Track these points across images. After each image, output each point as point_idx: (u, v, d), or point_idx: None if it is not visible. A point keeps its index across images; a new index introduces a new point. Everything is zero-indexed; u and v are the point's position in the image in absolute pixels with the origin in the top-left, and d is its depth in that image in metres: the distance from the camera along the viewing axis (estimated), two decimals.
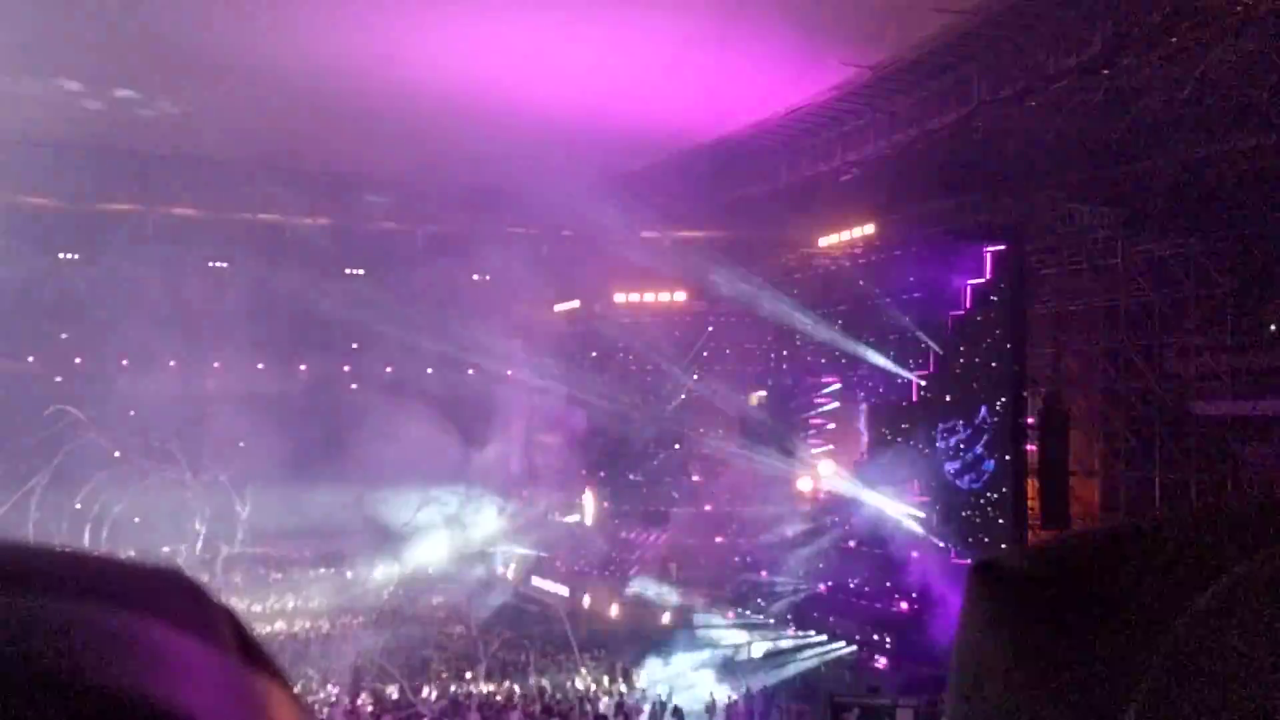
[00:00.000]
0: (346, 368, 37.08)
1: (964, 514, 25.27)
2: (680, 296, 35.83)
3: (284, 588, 30.64)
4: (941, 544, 25.59)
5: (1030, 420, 24.57)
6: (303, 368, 36.24)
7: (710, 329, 35.97)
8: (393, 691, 22.30)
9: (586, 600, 31.06)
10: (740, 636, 27.74)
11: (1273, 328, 20.78)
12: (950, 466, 25.96)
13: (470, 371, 35.30)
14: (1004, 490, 24.32)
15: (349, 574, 31.49)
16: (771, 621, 28.75)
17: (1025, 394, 24.57)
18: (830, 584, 29.10)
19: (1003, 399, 24.57)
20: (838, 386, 31.64)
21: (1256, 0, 15.85)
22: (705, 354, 35.85)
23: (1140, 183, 21.84)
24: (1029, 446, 24.33)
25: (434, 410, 31.62)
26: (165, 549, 30.53)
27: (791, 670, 24.81)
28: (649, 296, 35.83)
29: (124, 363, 32.42)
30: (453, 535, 33.19)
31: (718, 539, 33.04)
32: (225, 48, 21.94)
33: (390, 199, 33.96)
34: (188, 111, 26.37)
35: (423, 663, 24.85)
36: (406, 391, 32.76)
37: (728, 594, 30.44)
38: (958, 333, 26.37)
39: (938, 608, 23.83)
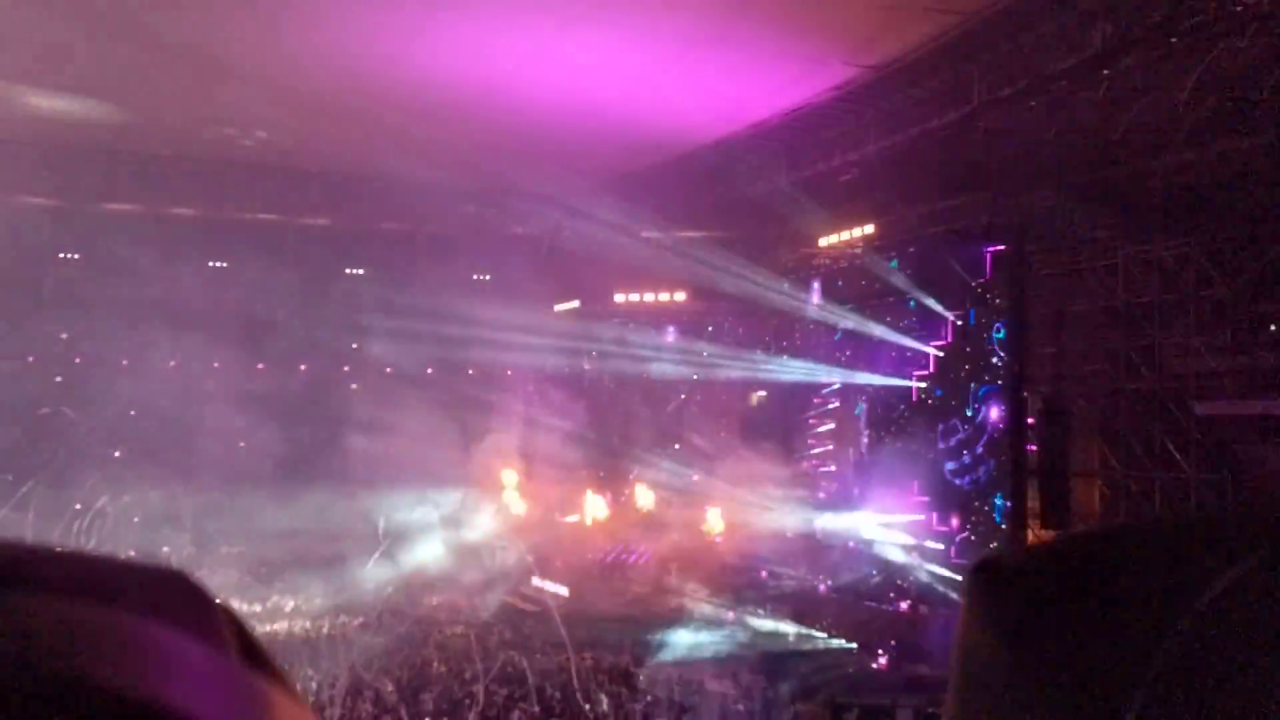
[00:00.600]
0: (346, 368, 37.08)
1: (964, 514, 25.29)
2: (680, 296, 35.84)
3: (284, 588, 30.61)
4: (940, 545, 25.61)
5: (1030, 420, 24.59)
6: (303, 368, 36.24)
7: (710, 329, 35.98)
8: (392, 692, 22.29)
9: (587, 600, 31.05)
10: (741, 636, 27.74)
11: (1273, 328, 20.78)
12: (950, 466, 25.98)
13: (470, 372, 35.32)
14: (1004, 490, 24.33)
15: (349, 574, 31.48)
16: (772, 621, 28.75)
17: (1025, 394, 24.59)
18: (830, 584, 29.10)
19: (1003, 399, 24.59)
20: (838, 386, 31.66)
21: (1256, 0, 15.86)
22: (705, 354, 35.86)
23: (1140, 183, 21.85)
24: (1029, 446, 24.34)
25: (434, 410, 31.63)
26: (165, 549, 30.54)
27: (792, 670, 24.79)
28: (649, 296, 35.83)
29: (124, 363, 32.43)
30: (452, 535, 33.18)
31: (717, 539, 33.04)
32: (226, 48, 21.95)
33: (390, 199, 33.96)
34: (188, 112, 26.37)
35: (423, 663, 24.84)
36: (406, 391, 32.76)
37: (728, 594, 30.43)
38: (958, 332, 26.39)
39: (938, 608, 23.85)
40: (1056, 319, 25.61)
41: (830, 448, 32.33)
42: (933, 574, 25.54)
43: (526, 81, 22.66)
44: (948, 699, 0.65)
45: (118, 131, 28.27)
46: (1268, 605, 0.52)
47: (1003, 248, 24.78)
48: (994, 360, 25.19)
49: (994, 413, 25.17)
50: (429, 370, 35.16)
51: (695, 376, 36.21)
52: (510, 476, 35.70)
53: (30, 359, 34.32)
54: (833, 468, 32.65)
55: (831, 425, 32.42)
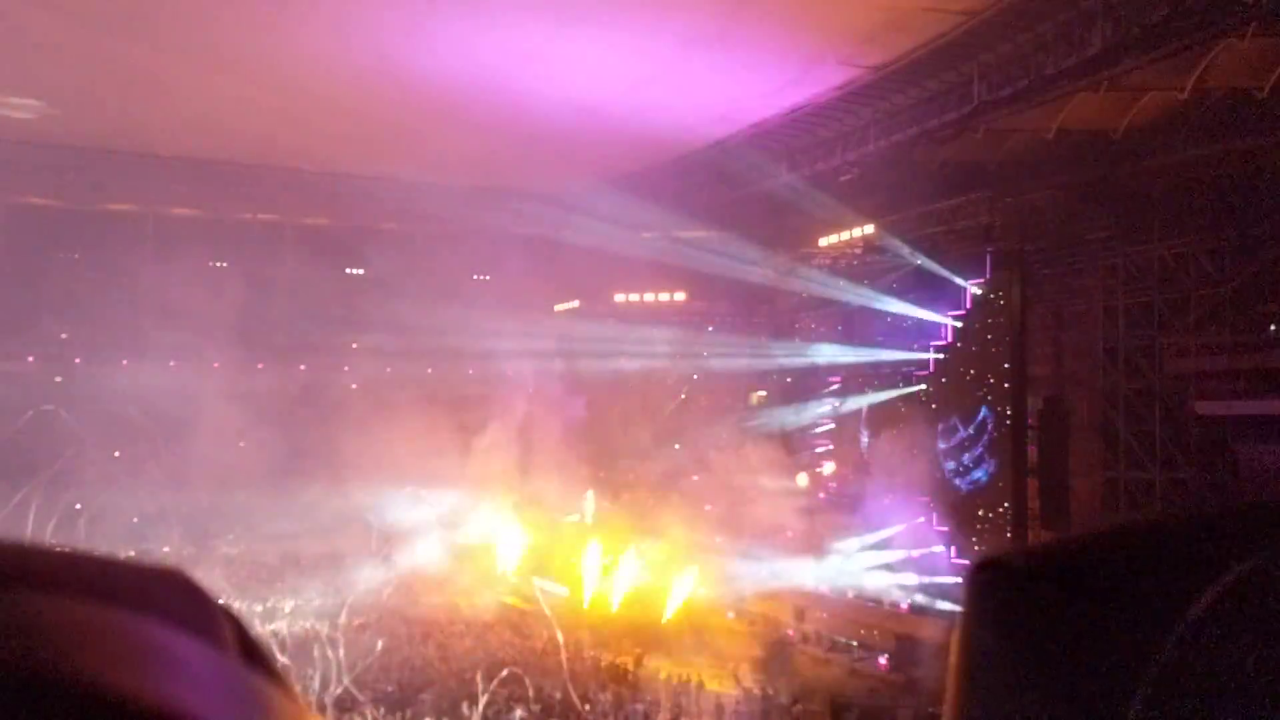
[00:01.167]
0: (346, 368, 37.07)
1: (964, 514, 25.29)
2: (680, 296, 35.83)
3: (284, 588, 30.60)
4: (940, 544, 25.60)
5: (1030, 420, 24.59)
6: (302, 367, 36.23)
7: (710, 329, 35.98)
8: (393, 692, 22.30)
9: (587, 600, 31.05)
10: (740, 636, 27.73)
11: (1273, 328, 20.79)
12: (950, 466, 25.98)
13: (470, 372, 35.30)
14: (1004, 490, 24.34)
15: (348, 574, 31.46)
16: (772, 621, 28.74)
17: (1025, 394, 24.60)
18: (830, 584, 29.07)
19: (1003, 399, 24.60)
20: (838, 386, 31.66)
21: (1256, 0, 15.86)
22: (705, 354, 35.86)
23: (1140, 183, 21.87)
24: (1029, 446, 24.35)
25: (434, 410, 31.62)
26: (165, 549, 30.54)
27: (792, 670, 24.78)
28: (649, 296, 35.82)
29: (124, 363, 32.43)
30: (452, 535, 33.17)
31: (718, 539, 33.02)
32: (226, 48, 21.95)
33: (390, 199, 33.95)
34: (188, 112, 26.36)
35: (423, 662, 24.84)
36: (406, 391, 32.75)
37: (728, 594, 30.41)
38: (958, 333, 26.40)
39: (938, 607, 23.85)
40: (1056, 319, 25.63)
41: (830, 448, 32.33)
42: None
43: (527, 82, 22.66)
44: (948, 698, 0.65)
45: (118, 131, 28.27)
46: (1267, 605, 0.52)
47: (1003, 247, 24.78)
48: (994, 360, 25.19)
49: (994, 412, 25.16)
50: (429, 370, 35.15)
51: (695, 376, 36.22)
52: (510, 476, 35.68)
53: (30, 359, 34.32)
54: (833, 468, 32.67)
55: (831, 426, 32.43)
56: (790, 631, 27.83)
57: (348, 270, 36.38)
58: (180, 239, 32.53)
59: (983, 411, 25.24)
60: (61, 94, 25.36)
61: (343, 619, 28.78)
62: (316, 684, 22.00)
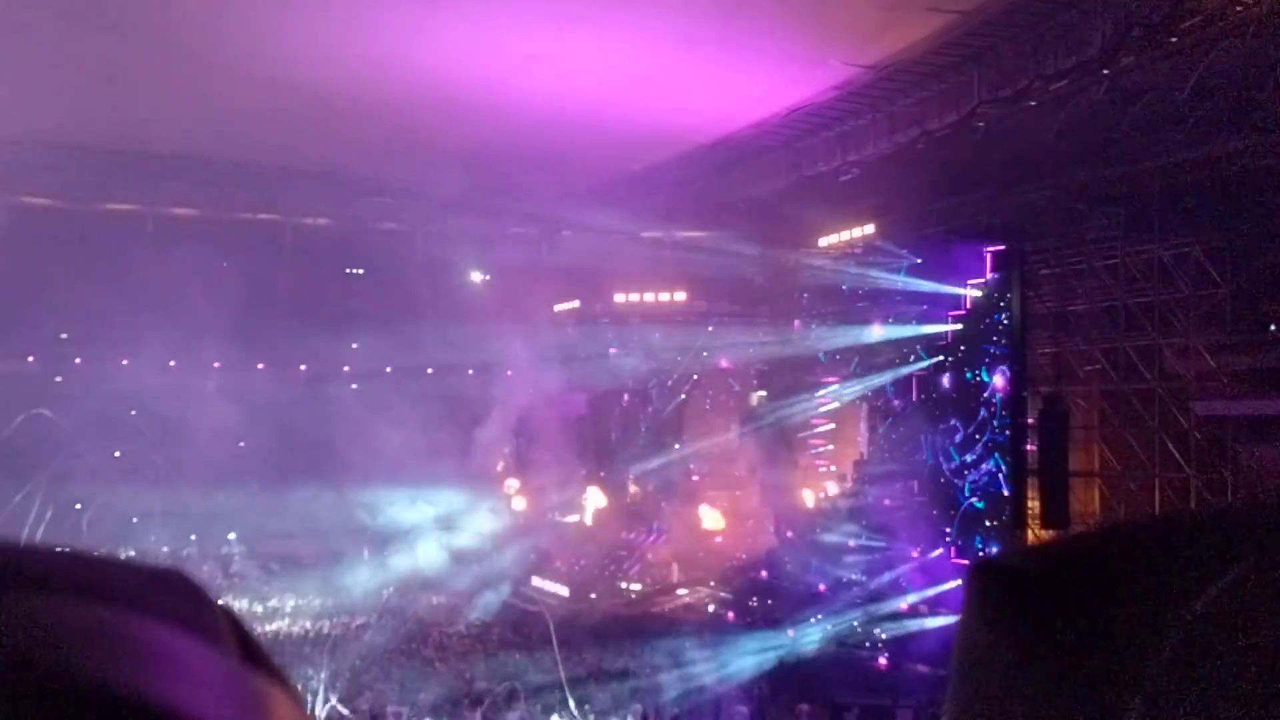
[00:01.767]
0: (346, 368, 37.06)
1: (964, 514, 25.28)
2: (680, 296, 35.85)
3: (284, 588, 30.61)
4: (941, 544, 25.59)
5: (1030, 420, 24.58)
6: (302, 368, 36.23)
7: (710, 329, 35.98)
8: (392, 691, 22.30)
9: (587, 600, 31.06)
10: (740, 636, 27.72)
11: (1273, 328, 20.79)
12: (950, 466, 25.97)
13: (470, 372, 35.30)
14: (1004, 490, 24.33)
15: (348, 574, 31.47)
16: (772, 621, 28.73)
17: (1025, 394, 24.58)
18: (830, 584, 29.08)
19: (1003, 399, 24.58)
20: (837, 386, 31.65)
21: (1256, 0, 15.86)
22: (705, 354, 35.86)
23: (1140, 183, 21.86)
24: (1029, 446, 24.33)
25: (434, 410, 31.62)
26: (164, 549, 30.55)
27: (791, 670, 24.78)
28: (649, 296, 35.83)
29: (124, 363, 32.42)
30: (452, 535, 33.18)
31: (718, 539, 33.06)
32: (225, 47, 21.94)
33: (390, 199, 33.95)
34: (188, 112, 26.35)
35: (423, 662, 24.85)
36: (406, 392, 32.75)
37: (729, 593, 30.43)
38: (958, 333, 26.39)
39: (938, 607, 23.84)
40: (1056, 319, 25.62)
41: (830, 448, 32.33)
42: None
43: (526, 81, 22.65)
44: (948, 698, 0.65)
45: (118, 131, 28.25)
46: (1267, 605, 0.52)
47: (1003, 248, 24.77)
48: (994, 360, 25.17)
49: (993, 412, 25.14)
50: (429, 370, 35.15)
51: (695, 376, 36.22)
52: (509, 476, 35.71)
53: (30, 359, 34.32)
54: (832, 468, 32.66)
55: (831, 425, 32.43)
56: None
57: (348, 270, 36.36)
58: (180, 239, 32.51)
59: (983, 412, 25.23)
60: (62, 94, 25.35)
61: (343, 619, 28.81)
62: (316, 684, 22.01)
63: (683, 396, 36.39)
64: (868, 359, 29.92)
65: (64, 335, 34.74)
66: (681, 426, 36.10)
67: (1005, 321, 24.63)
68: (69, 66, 23.41)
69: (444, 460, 31.10)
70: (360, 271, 36.51)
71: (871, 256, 28.73)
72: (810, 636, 26.86)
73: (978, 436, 25.27)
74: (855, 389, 30.90)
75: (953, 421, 26.10)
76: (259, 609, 28.42)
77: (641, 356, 35.57)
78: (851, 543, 28.71)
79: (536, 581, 33.21)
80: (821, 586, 29.25)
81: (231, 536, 32.19)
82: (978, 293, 25.64)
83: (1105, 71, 18.29)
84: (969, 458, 25.45)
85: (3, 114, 25.94)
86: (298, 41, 21.46)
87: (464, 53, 21.58)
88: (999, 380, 24.81)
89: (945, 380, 26.94)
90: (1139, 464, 23.02)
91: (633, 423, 35.27)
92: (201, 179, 31.81)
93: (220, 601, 0.54)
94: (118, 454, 30.99)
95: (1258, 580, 0.54)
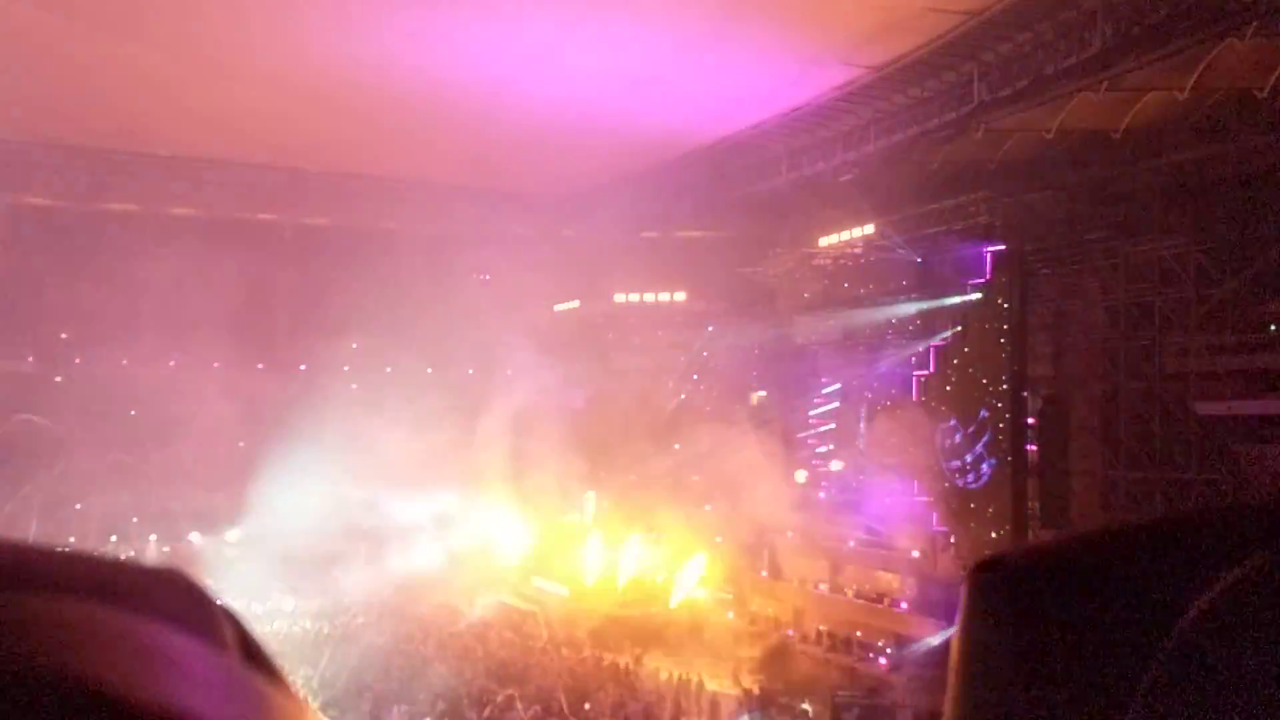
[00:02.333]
0: (346, 368, 37.04)
1: (964, 514, 25.27)
2: (680, 296, 35.81)
3: (284, 588, 30.61)
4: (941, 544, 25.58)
5: (1030, 420, 24.57)
6: (302, 368, 36.21)
7: (710, 329, 35.96)
8: (393, 691, 22.30)
9: (587, 600, 31.05)
10: (740, 636, 27.73)
11: (1273, 328, 20.78)
12: (950, 466, 25.95)
13: (470, 371, 35.28)
14: (1004, 490, 24.31)
15: (348, 574, 31.47)
16: (772, 621, 28.74)
17: (1025, 394, 24.57)
18: (830, 583, 29.07)
19: (1003, 399, 24.57)
20: (837, 386, 31.62)
21: (1256, 0, 15.86)
22: (705, 354, 35.84)
23: (1140, 183, 21.86)
24: (1029, 446, 24.32)
25: (434, 410, 31.59)
26: (164, 548, 30.54)
27: (791, 669, 24.79)
28: (649, 296, 35.80)
29: (123, 362, 32.42)
30: (452, 535, 33.17)
31: (718, 539, 33.00)
32: (227, 48, 21.95)
33: (390, 199, 33.94)
34: (188, 112, 26.36)
35: (422, 662, 24.84)
36: (406, 391, 32.73)
37: (729, 593, 30.41)
38: (958, 333, 26.38)
39: (938, 608, 23.81)
40: (1056, 319, 25.60)
41: (830, 448, 32.28)
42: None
43: (527, 82, 22.67)
44: (948, 698, 0.65)
45: (118, 131, 28.26)
46: (1268, 605, 0.52)
47: (1003, 248, 24.76)
48: (994, 360, 25.15)
49: (993, 412, 25.12)
50: (429, 370, 35.13)
51: (695, 376, 36.19)
52: (510, 476, 35.64)
53: (30, 359, 34.31)
54: (832, 466, 32.61)
55: (832, 425, 32.38)
56: (790, 631, 27.83)
57: (348, 270, 36.33)
58: (180, 239, 32.51)
59: (983, 412, 25.21)
60: (62, 94, 25.35)
61: (343, 619, 28.81)
62: (316, 684, 22.01)
63: (683, 396, 36.36)
64: (868, 358, 29.90)
65: (64, 335, 34.74)
66: (681, 427, 36.04)
67: (1005, 322, 24.62)
68: (69, 66, 23.41)
69: (444, 460, 31.07)
70: (360, 271, 36.49)
71: (872, 255, 28.73)
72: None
73: (978, 436, 25.26)
74: (855, 388, 30.88)
75: (953, 421, 26.09)
76: (259, 609, 28.42)
77: (641, 356, 35.56)
78: (851, 542, 28.71)
79: (537, 581, 33.22)
80: (822, 586, 29.26)
81: (232, 536, 32.16)
82: (978, 293, 25.64)
83: (1105, 71, 18.29)
84: (969, 457, 25.44)
85: (3, 114, 25.94)
86: (299, 42, 21.47)
87: (464, 52, 21.60)
88: (998, 380, 24.81)
89: (945, 380, 26.94)
90: (1139, 464, 23.00)
91: (633, 423, 35.21)
92: (201, 179, 31.81)
93: (220, 601, 0.54)
94: (117, 454, 30.98)
95: (1259, 580, 0.54)
